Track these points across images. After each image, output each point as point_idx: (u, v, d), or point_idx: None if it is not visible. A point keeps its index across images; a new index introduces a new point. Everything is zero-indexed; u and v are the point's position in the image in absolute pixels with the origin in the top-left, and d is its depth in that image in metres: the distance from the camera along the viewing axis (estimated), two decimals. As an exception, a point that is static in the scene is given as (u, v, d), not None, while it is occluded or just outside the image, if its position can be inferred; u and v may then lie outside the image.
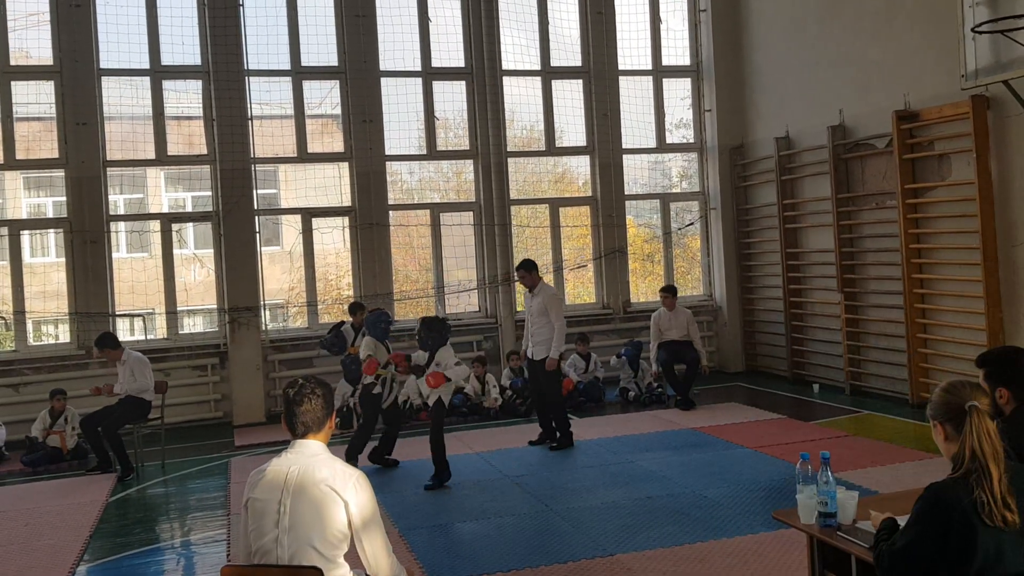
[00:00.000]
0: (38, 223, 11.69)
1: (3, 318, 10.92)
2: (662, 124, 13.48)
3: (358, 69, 11.96)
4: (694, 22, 13.50)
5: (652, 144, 13.50)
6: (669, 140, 13.65)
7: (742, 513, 6.52)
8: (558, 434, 9.01)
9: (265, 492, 3.36)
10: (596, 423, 10.22)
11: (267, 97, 12.00)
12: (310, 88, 12.09)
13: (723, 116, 13.24)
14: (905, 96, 9.96)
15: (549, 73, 12.93)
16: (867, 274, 10.93)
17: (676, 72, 13.56)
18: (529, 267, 8.99)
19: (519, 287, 11.12)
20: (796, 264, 12.13)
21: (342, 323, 10.59)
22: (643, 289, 13.83)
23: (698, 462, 8.13)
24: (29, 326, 11.24)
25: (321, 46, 11.97)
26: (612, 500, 7.07)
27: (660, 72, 13.44)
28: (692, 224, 13.75)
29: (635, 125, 13.34)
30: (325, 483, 3.33)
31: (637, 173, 13.89)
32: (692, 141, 13.72)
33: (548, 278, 12.63)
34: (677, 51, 13.56)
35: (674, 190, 14.11)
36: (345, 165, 12.15)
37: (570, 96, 13.04)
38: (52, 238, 11.59)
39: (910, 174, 9.99)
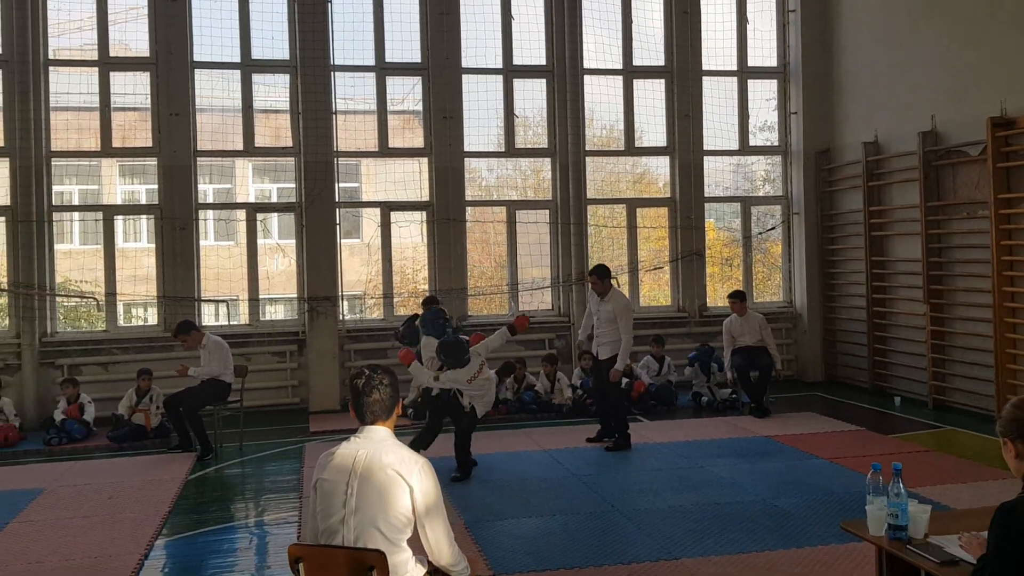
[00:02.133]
0: (131, 209, 12.15)
1: (96, 299, 11.38)
2: (746, 126, 13.25)
3: (440, 66, 12.09)
4: (782, 23, 13.24)
5: (735, 146, 13.28)
6: (752, 143, 13.41)
7: (813, 524, 6.39)
8: (616, 434, 9.01)
9: (334, 474, 3.46)
10: (667, 426, 10.13)
11: (351, 92, 12.22)
12: (393, 84, 12.26)
13: (809, 119, 12.95)
14: (1002, 103, 9.59)
15: (631, 72, 12.84)
16: (955, 285, 10.56)
17: (762, 73, 13.32)
18: (603, 274, 8.96)
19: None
20: (881, 273, 11.79)
21: (415, 316, 10.70)
22: (721, 293, 13.61)
23: (770, 470, 7.98)
24: (120, 308, 11.70)
25: (405, 43, 12.13)
26: (679, 504, 7.00)
27: (745, 73, 13.22)
28: (774, 228, 13.49)
29: (717, 126, 13.14)
30: (392, 467, 3.42)
31: (719, 175, 13.69)
32: (776, 144, 13.46)
33: (624, 278, 12.59)
34: (764, 52, 13.32)
35: (757, 194, 13.86)
36: (424, 160, 12.29)
37: (651, 96, 12.92)
38: (144, 224, 12.02)
39: (1004, 183, 9.61)
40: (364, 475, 3.41)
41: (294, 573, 3.38)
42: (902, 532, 3.45)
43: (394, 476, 3.40)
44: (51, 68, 11.34)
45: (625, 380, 11.06)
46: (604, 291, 8.91)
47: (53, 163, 11.40)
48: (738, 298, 10.82)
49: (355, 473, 3.43)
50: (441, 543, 3.48)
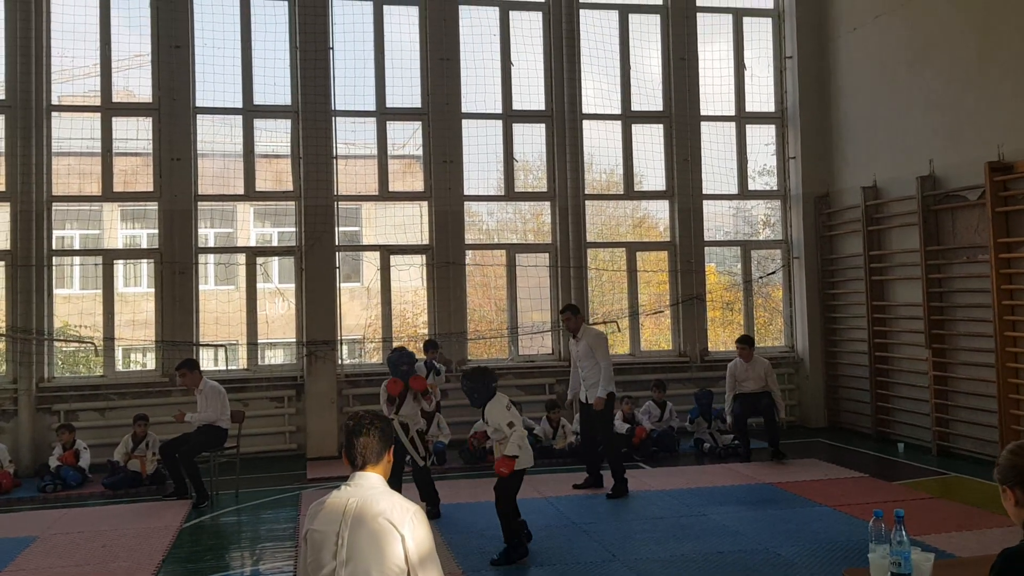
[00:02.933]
0: (131, 253, 12.15)
1: (94, 344, 11.33)
2: (744, 170, 13.31)
3: (440, 110, 12.19)
4: (779, 68, 13.37)
5: (734, 190, 13.33)
6: (752, 187, 13.47)
7: (816, 572, 6.28)
8: (594, 477, 9.09)
9: (324, 524, 3.37)
10: (669, 473, 10.01)
11: (352, 136, 12.31)
12: (393, 128, 12.35)
13: (808, 164, 13.01)
14: (999, 147, 9.63)
15: (629, 117, 12.94)
16: (956, 330, 10.51)
17: (760, 118, 13.41)
18: (575, 310, 9.09)
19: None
20: (882, 317, 11.75)
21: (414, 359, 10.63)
22: (723, 338, 13.56)
23: (773, 518, 7.86)
24: (119, 353, 11.65)
25: (406, 88, 12.26)
26: (681, 553, 6.88)
27: (743, 118, 13.31)
28: (774, 273, 13.48)
29: (716, 171, 13.21)
30: (383, 516, 3.33)
31: (719, 219, 13.72)
32: (775, 188, 13.51)
33: (624, 323, 12.55)
34: (761, 97, 13.43)
35: (757, 237, 13.88)
36: (424, 204, 12.33)
37: (650, 140, 13.01)
38: (144, 268, 12.03)
39: (1004, 227, 9.61)
40: (355, 524, 3.32)
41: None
42: (906, 582, 3.37)
43: (385, 525, 3.31)
44: (54, 113, 11.43)
45: (626, 426, 11.00)
46: (577, 327, 9.00)
47: (54, 208, 11.44)
48: (747, 344, 10.72)
49: (345, 523, 3.33)
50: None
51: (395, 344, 11.95)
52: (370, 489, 3.42)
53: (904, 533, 3.43)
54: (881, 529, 3.60)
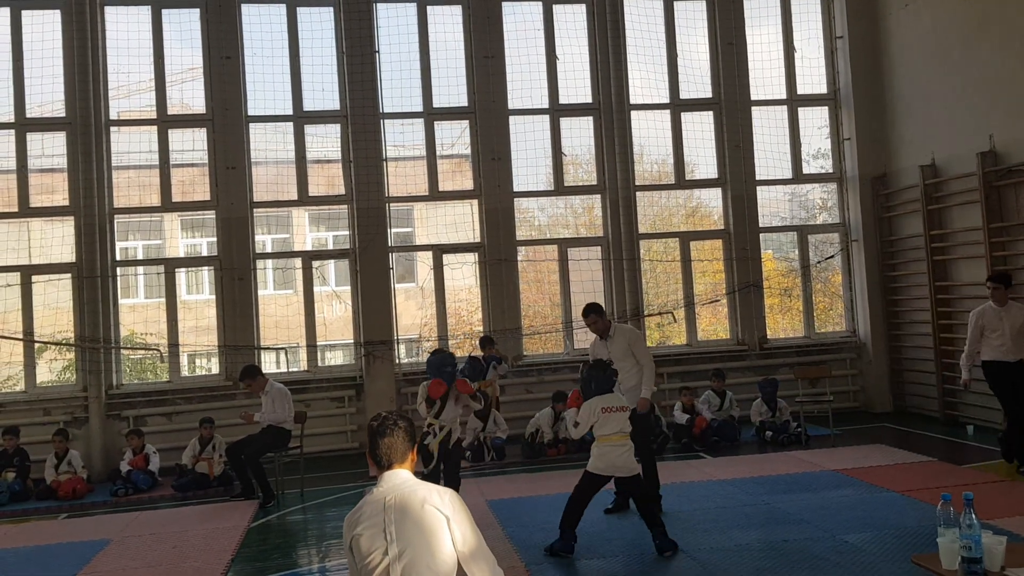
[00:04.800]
0: (191, 261, 12.42)
1: (159, 351, 11.62)
2: (798, 154, 13.09)
3: (487, 108, 12.22)
4: (830, 49, 13.12)
5: (788, 175, 13.12)
6: (806, 170, 13.24)
7: (884, 559, 6.15)
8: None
9: (368, 525, 3.37)
10: (731, 463, 9.90)
11: (401, 138, 12.42)
12: (441, 128, 12.42)
13: (864, 145, 12.75)
14: (1064, 117, 9.33)
15: (678, 105, 12.82)
16: (1025, 307, 10.19)
17: (812, 101, 13.18)
18: (600, 311, 8.05)
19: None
20: (946, 298, 11.47)
21: (472, 355, 10.70)
22: (783, 325, 13.38)
23: (838, 505, 7.73)
24: (184, 359, 11.94)
25: (452, 87, 12.33)
26: (745, 542, 6.81)
27: (795, 101, 13.09)
28: (832, 257, 13.23)
29: (769, 156, 13.02)
30: (426, 503, 3.39)
31: (774, 205, 13.52)
32: (831, 171, 13.26)
33: (680, 313, 12.46)
34: (813, 79, 13.19)
35: (813, 222, 13.64)
36: (475, 202, 12.38)
37: (700, 128, 12.88)
38: (206, 275, 12.29)
39: (1071, 200, 9.30)
40: (399, 517, 3.35)
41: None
42: (977, 565, 3.29)
43: (430, 510, 3.37)
44: (112, 128, 11.74)
45: (686, 416, 10.93)
46: (606, 328, 8.03)
47: (116, 220, 11.76)
48: (1001, 283, 8.41)
49: (390, 518, 3.35)
50: (481, 563, 3.42)
51: (449, 343, 12.07)
52: (403, 484, 3.46)
53: (974, 516, 3.34)
54: (950, 513, 3.51)
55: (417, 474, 3.60)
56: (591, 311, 8.03)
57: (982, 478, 8.39)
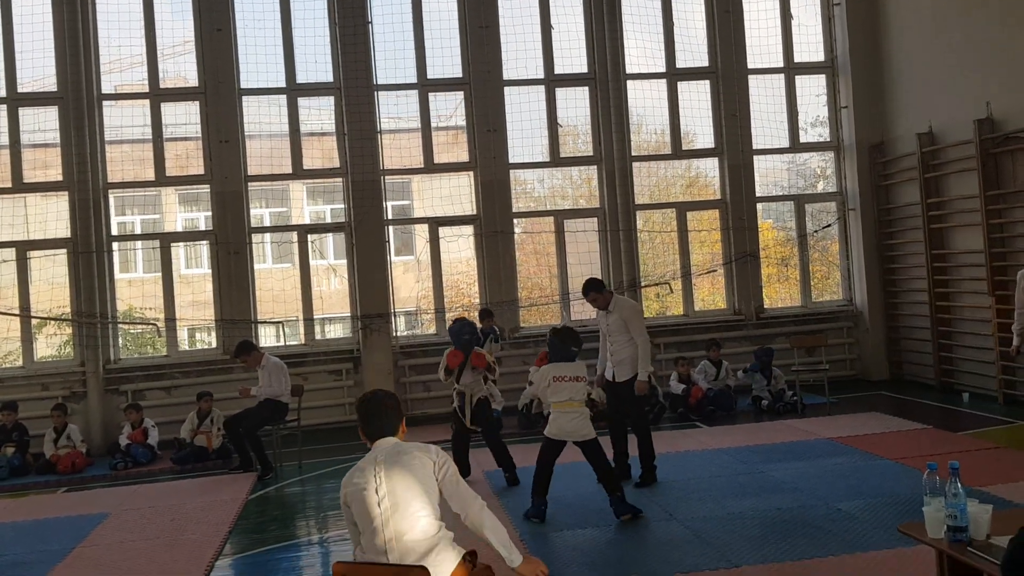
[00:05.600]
0: (187, 236, 12.39)
1: (155, 325, 11.64)
2: (795, 123, 13.02)
3: (482, 79, 12.13)
4: (827, 16, 13.00)
5: (785, 144, 13.06)
6: (804, 139, 13.17)
7: (878, 527, 6.18)
8: (640, 467, 7.93)
9: (359, 478, 3.68)
10: (726, 432, 9.95)
11: (396, 110, 12.34)
12: (436, 100, 12.34)
13: (861, 113, 12.67)
14: (1061, 83, 9.26)
15: (674, 75, 12.72)
16: (1021, 275, 10.18)
17: (809, 69, 13.09)
18: (600, 287, 7.88)
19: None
20: (943, 266, 11.46)
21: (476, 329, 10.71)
22: (780, 294, 13.38)
23: (833, 473, 7.77)
24: (184, 333, 11.97)
25: (446, 58, 12.24)
26: (739, 511, 6.85)
27: (792, 69, 13.00)
28: (829, 226, 13.20)
29: (767, 125, 12.95)
30: (415, 450, 3.74)
31: (772, 175, 13.47)
32: (828, 140, 13.19)
33: (676, 284, 12.45)
34: (810, 47, 13.09)
35: (812, 191, 13.58)
36: (471, 175, 12.33)
37: (697, 97, 12.79)
38: (204, 250, 12.27)
39: (1068, 167, 9.27)
40: (388, 465, 3.64)
41: (341, 591, 3.38)
42: (962, 534, 3.31)
43: (416, 454, 3.70)
44: (105, 102, 11.67)
45: (682, 387, 10.96)
46: (606, 303, 7.86)
47: (112, 195, 11.73)
48: None
49: (379, 468, 3.65)
50: (467, 499, 3.73)
51: (448, 314, 12.08)
52: (394, 445, 3.78)
53: (959, 485, 3.35)
54: (935, 482, 3.52)
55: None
56: (590, 288, 7.89)
57: (976, 445, 8.43)
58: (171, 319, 11.68)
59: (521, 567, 3.64)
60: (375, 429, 3.77)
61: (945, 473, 3.41)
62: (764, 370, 11.19)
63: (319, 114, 12.37)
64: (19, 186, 11.47)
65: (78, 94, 11.34)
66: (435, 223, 12.26)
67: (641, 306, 8.35)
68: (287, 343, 11.92)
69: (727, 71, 12.66)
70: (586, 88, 12.51)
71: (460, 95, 12.35)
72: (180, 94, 11.94)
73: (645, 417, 8.14)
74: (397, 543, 3.55)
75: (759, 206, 12.91)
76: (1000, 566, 2.85)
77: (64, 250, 11.42)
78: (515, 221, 12.43)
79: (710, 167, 13.21)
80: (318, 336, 12.13)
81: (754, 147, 12.80)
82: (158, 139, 11.73)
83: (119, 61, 11.94)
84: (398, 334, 12.00)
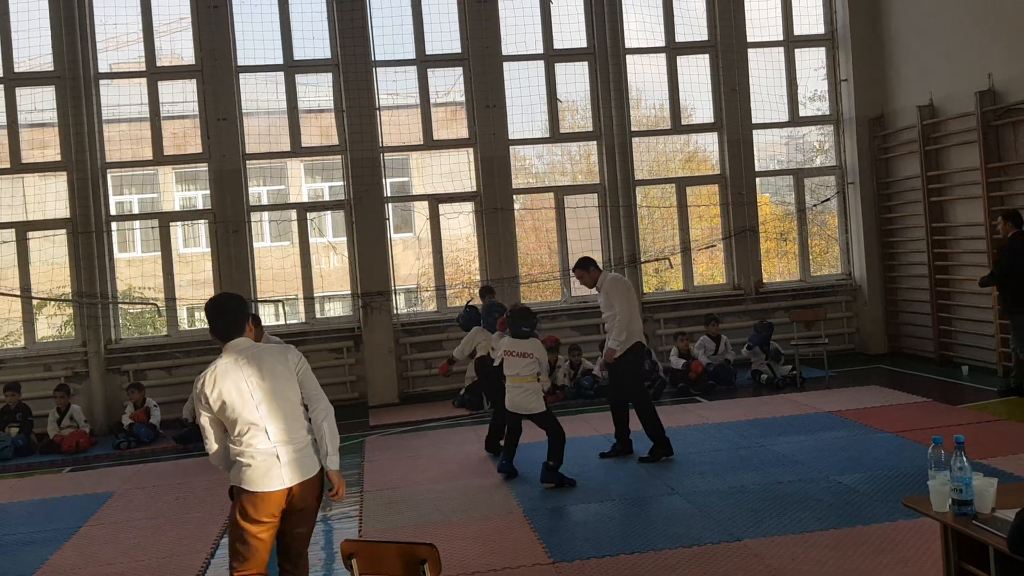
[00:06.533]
0: (186, 215, 12.37)
1: (156, 305, 11.64)
2: (795, 96, 12.96)
3: (481, 55, 12.06)
4: (827, -12, 12.90)
5: (784, 118, 13.01)
6: (803, 113, 13.11)
7: (879, 500, 6.23)
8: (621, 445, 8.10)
9: (229, 382, 3.97)
10: (726, 406, 9.99)
11: (394, 87, 12.27)
12: (435, 76, 12.27)
13: (861, 85, 12.61)
14: (1063, 55, 9.21)
15: (674, 49, 12.65)
16: (1021, 248, 10.18)
17: (809, 42, 13.01)
18: (585, 265, 7.98)
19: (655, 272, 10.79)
20: (942, 239, 11.46)
21: (470, 304, 10.73)
22: (779, 268, 13.38)
23: (833, 447, 7.82)
24: (183, 313, 11.96)
25: (444, 34, 12.14)
26: (740, 484, 6.90)
27: (792, 42, 12.92)
28: (828, 200, 13.18)
29: (766, 99, 12.88)
30: (276, 349, 4.17)
31: (772, 149, 13.43)
32: (828, 113, 13.14)
33: (676, 259, 12.45)
34: (809, 19, 13.00)
35: (811, 165, 13.54)
36: (470, 151, 12.29)
37: (696, 72, 12.72)
38: (202, 229, 12.25)
39: (1069, 139, 9.24)
40: (256, 369, 3.99)
41: (347, 568, 3.41)
42: (967, 507, 3.33)
43: (281, 362, 4.08)
44: (102, 81, 11.60)
45: (682, 361, 11.00)
46: (594, 280, 7.96)
47: (109, 174, 11.68)
48: None
49: (247, 372, 3.98)
50: (320, 398, 4.16)
51: (448, 292, 12.11)
52: (250, 347, 4.11)
53: (965, 459, 3.36)
54: (941, 455, 3.52)
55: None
56: (577, 266, 8.08)
57: (976, 418, 8.48)
58: (171, 299, 11.68)
59: (333, 472, 4.27)
60: (223, 333, 4.06)
61: (950, 446, 3.42)
62: (764, 344, 11.21)
63: (317, 91, 12.30)
64: (17, 166, 11.42)
65: (75, 73, 11.27)
66: (435, 200, 12.23)
67: (629, 281, 8.31)
68: (287, 322, 11.92)
69: (726, 45, 12.59)
70: (585, 63, 12.44)
71: (459, 71, 12.28)
72: (177, 72, 11.87)
73: (643, 392, 8.11)
74: (280, 436, 3.98)
75: (758, 180, 12.89)
76: (1007, 539, 2.87)
77: (63, 230, 11.40)
78: (515, 197, 12.40)
79: (709, 142, 13.16)
80: (318, 314, 12.14)
81: (753, 121, 12.75)
82: (155, 118, 11.67)
83: (115, 39, 11.85)
84: (398, 312, 12.01)
